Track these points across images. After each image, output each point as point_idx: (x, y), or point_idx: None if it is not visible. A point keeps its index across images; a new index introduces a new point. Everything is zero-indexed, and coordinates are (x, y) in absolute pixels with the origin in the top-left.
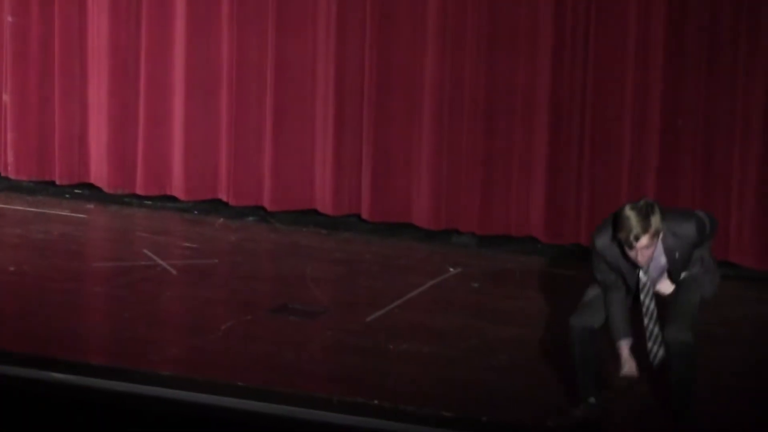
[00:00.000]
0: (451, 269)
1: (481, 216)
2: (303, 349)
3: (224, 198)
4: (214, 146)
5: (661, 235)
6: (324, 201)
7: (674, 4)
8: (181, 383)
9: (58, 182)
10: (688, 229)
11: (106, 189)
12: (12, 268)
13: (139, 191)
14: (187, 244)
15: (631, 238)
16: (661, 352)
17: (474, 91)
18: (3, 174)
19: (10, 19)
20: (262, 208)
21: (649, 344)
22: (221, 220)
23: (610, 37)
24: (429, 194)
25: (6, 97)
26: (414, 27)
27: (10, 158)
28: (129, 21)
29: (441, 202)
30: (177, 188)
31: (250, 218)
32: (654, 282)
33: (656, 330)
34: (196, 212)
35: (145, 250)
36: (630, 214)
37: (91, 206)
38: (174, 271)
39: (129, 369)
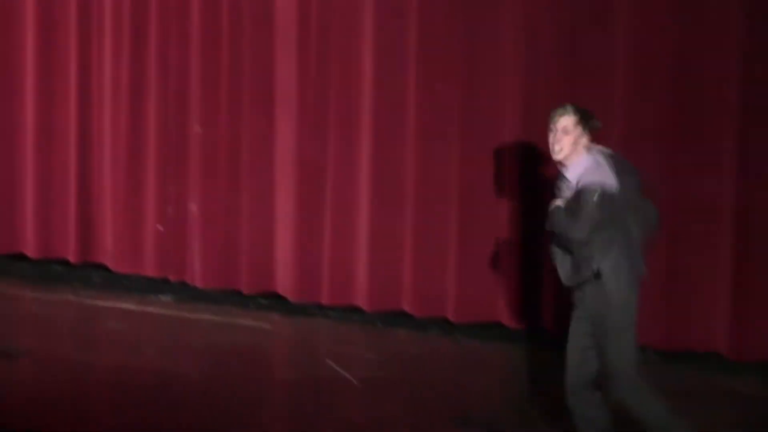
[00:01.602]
0: None
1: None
2: None
3: (408, 309)
4: (398, 258)
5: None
6: (508, 314)
7: None
8: None
9: (244, 291)
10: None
11: (291, 299)
12: (197, 377)
13: (324, 301)
14: (370, 356)
15: (554, 113)
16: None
17: None
18: (190, 283)
19: (198, 129)
20: (446, 320)
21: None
22: None
23: None
24: None
25: (194, 207)
26: None
27: (197, 267)
28: (316, 133)
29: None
30: (361, 299)
31: (433, 330)
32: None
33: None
34: (379, 323)
35: (329, 361)
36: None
37: (276, 316)
38: (356, 382)
39: None
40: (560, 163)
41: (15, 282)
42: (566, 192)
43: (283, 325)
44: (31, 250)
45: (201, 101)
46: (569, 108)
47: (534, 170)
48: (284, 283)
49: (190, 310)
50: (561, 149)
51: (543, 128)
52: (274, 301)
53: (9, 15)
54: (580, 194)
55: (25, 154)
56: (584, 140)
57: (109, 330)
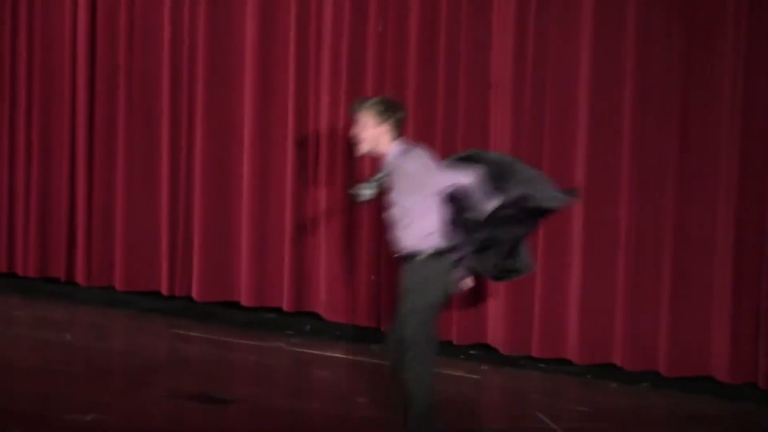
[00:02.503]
0: None
1: None
2: None
3: (618, 362)
4: (609, 310)
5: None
6: (720, 368)
7: None
8: None
9: (455, 342)
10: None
11: (501, 351)
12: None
13: (534, 354)
14: (580, 408)
15: (353, 108)
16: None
17: None
18: None
19: None
20: (657, 373)
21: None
22: None
23: None
24: None
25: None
26: None
27: None
28: None
29: None
30: (572, 351)
31: (644, 384)
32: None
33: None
34: (589, 376)
35: (538, 413)
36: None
37: (485, 367)
38: None
39: None
40: (376, 156)
41: (228, 329)
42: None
43: (493, 375)
44: (245, 299)
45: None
46: (369, 101)
47: (752, 224)
48: (495, 334)
49: None
50: (364, 143)
51: (761, 180)
52: (485, 352)
53: (229, 68)
54: (402, 165)
55: (240, 206)
56: (388, 131)
57: (321, 378)
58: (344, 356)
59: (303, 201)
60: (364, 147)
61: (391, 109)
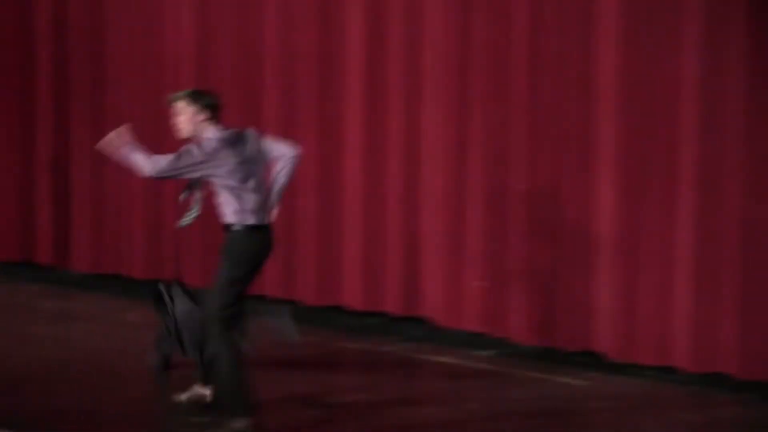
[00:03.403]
0: None
1: None
2: None
3: (729, 371)
4: (718, 316)
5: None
6: None
7: None
8: None
9: (561, 349)
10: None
11: (610, 357)
12: None
13: (641, 361)
14: (688, 417)
15: (170, 99)
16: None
17: None
18: (510, 339)
19: (520, 186)
20: (765, 384)
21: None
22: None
23: None
24: None
25: (514, 263)
26: None
27: (517, 323)
28: (637, 192)
29: None
30: (679, 359)
31: (755, 394)
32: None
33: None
34: (697, 385)
35: (645, 422)
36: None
37: (593, 374)
38: None
39: None
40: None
41: (335, 333)
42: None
43: (601, 383)
44: (354, 303)
45: (524, 159)
46: (181, 93)
47: None
48: (602, 342)
49: (508, 365)
50: (182, 128)
51: None
52: (592, 358)
53: (338, 73)
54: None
55: (350, 209)
56: (202, 117)
57: (429, 383)
58: (453, 361)
59: (410, 205)
60: (184, 132)
61: (200, 97)
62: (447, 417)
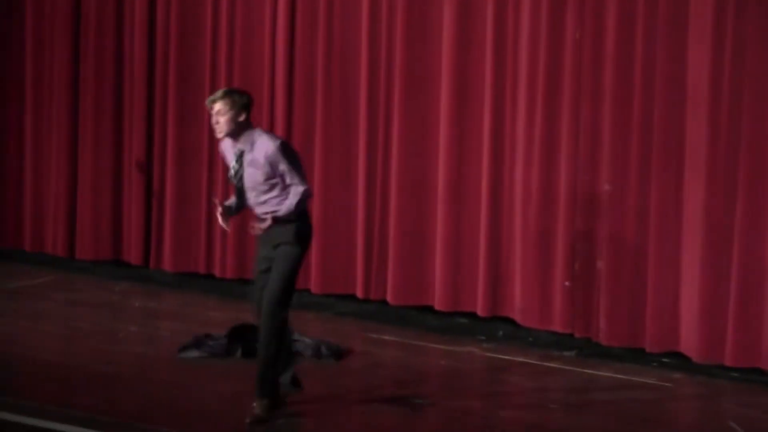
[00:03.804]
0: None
1: None
2: None
3: None
4: None
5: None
6: None
7: None
8: None
9: (647, 350)
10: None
11: (695, 359)
12: None
13: (728, 362)
14: None
15: (208, 101)
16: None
17: None
18: (594, 339)
19: (607, 187)
20: None
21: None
22: None
23: None
24: None
25: (600, 264)
26: None
27: (602, 324)
28: (725, 193)
29: None
30: (767, 361)
31: None
32: (247, 172)
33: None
34: None
35: (731, 423)
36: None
37: (678, 375)
38: None
39: None
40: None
41: (421, 333)
42: (235, 161)
43: (686, 384)
44: (439, 303)
45: (610, 159)
46: (219, 93)
47: None
48: (688, 342)
49: (592, 366)
50: (221, 129)
51: None
52: (677, 360)
53: (426, 72)
54: (274, 154)
55: (435, 209)
56: (243, 117)
57: (513, 384)
58: (537, 362)
59: (498, 206)
60: (222, 133)
61: (242, 98)
62: (530, 419)
